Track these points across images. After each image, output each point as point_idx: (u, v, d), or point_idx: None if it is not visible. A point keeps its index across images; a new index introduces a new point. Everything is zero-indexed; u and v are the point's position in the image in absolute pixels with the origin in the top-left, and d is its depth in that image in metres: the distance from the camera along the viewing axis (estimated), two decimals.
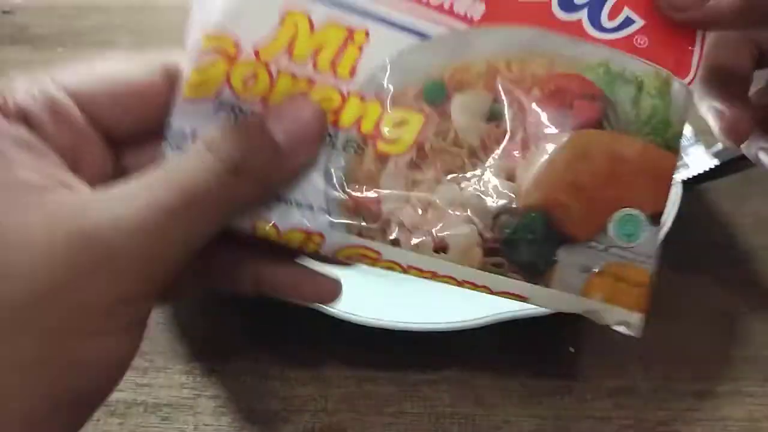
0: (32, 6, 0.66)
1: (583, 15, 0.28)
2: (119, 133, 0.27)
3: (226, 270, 0.29)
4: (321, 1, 0.26)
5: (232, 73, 0.26)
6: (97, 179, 0.25)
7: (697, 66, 0.28)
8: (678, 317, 0.38)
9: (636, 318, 0.28)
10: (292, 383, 0.36)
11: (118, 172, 0.27)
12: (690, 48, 0.29)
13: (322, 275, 0.29)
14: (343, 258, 0.28)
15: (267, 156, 0.25)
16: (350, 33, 0.27)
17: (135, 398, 0.37)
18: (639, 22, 0.28)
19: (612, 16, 0.28)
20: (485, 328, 0.35)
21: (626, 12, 0.28)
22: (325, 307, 0.33)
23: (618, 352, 0.37)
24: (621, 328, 0.28)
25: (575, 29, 0.28)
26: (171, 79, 0.26)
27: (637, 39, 0.28)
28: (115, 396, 0.29)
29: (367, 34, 0.27)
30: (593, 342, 0.37)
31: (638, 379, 0.36)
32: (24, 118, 0.24)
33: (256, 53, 0.26)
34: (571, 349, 0.37)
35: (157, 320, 0.40)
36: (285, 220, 0.27)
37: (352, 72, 0.27)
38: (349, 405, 0.35)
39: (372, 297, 0.37)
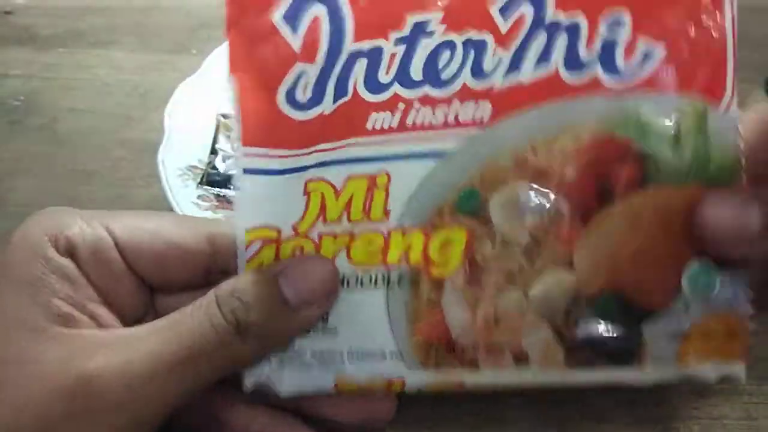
0: (33, 6, 0.66)
1: (596, 69, 0.26)
2: (156, 283, 0.29)
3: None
4: (336, 165, 0.27)
5: (281, 250, 0.27)
6: (130, 314, 0.28)
7: (733, 83, 0.26)
8: None
9: (737, 368, 0.27)
10: None
11: (153, 311, 0.29)
12: (722, 65, 0.26)
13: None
14: (431, 392, 0.27)
15: (275, 315, 0.26)
16: (372, 180, 0.27)
17: None
18: (660, 51, 0.26)
19: (628, 54, 0.26)
20: None
21: (642, 43, 0.26)
22: None
23: None
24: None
25: (592, 88, 0.26)
26: (214, 245, 0.28)
27: (661, 72, 0.26)
28: None
29: (387, 175, 0.27)
30: None
31: None
32: (71, 252, 0.26)
33: (295, 229, 0.27)
34: None
35: None
36: (361, 373, 0.27)
37: (386, 212, 0.27)
38: None
39: None
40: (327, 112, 0.26)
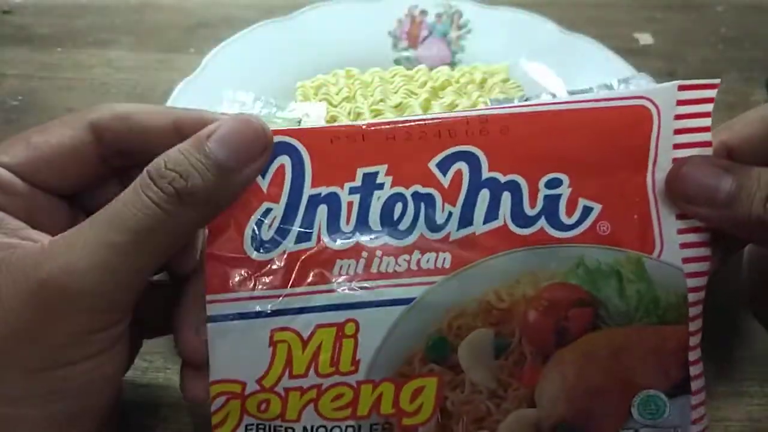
0: (31, 6, 0.66)
1: (542, 223, 0.28)
2: (66, 189, 0.30)
3: None
4: (303, 313, 0.28)
5: (247, 405, 0.28)
6: (60, 229, 0.28)
7: (661, 238, 0.29)
8: None
9: None
10: None
11: (82, 217, 0.30)
12: (649, 223, 0.29)
13: None
14: None
15: (213, 180, 0.26)
16: (339, 328, 0.28)
17: (134, 399, 0.37)
18: (597, 208, 0.29)
19: (569, 211, 0.29)
20: None
21: (582, 202, 0.28)
22: None
23: None
24: None
25: (540, 238, 0.28)
26: (97, 131, 0.29)
27: (599, 226, 0.28)
28: None
29: (355, 322, 0.28)
30: None
31: None
32: None
33: (260, 384, 0.28)
34: None
35: None
36: None
37: (354, 362, 0.28)
38: None
39: None
40: (290, 251, 0.28)
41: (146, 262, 0.26)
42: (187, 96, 0.49)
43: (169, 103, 0.49)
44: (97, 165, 0.30)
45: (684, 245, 0.29)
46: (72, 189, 0.30)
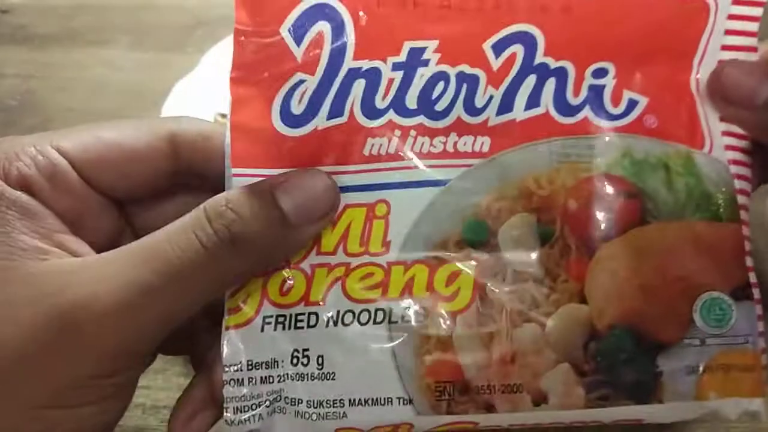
0: (30, 5, 0.66)
1: (586, 112, 0.27)
2: (121, 195, 0.27)
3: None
4: None
5: (269, 285, 0.25)
6: (103, 237, 0.26)
7: (710, 135, 0.27)
8: None
9: (757, 404, 0.26)
10: None
11: (129, 230, 0.28)
12: (696, 119, 0.27)
13: None
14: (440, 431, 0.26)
15: (273, 231, 0.24)
16: (370, 209, 0.26)
17: (133, 400, 0.37)
18: (643, 101, 0.27)
19: (615, 101, 0.27)
20: None
21: (627, 94, 0.27)
22: None
23: None
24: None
25: (584, 128, 0.27)
26: (176, 143, 0.27)
27: (646, 119, 0.27)
28: None
29: (386, 203, 0.26)
30: None
31: None
32: (25, 184, 0.25)
33: (286, 260, 0.26)
34: None
35: None
36: (366, 421, 0.25)
37: (385, 244, 0.26)
38: None
39: None
40: (320, 128, 0.26)
41: (176, 312, 0.24)
42: (185, 96, 0.49)
43: (168, 102, 0.49)
44: (164, 178, 0.27)
45: (728, 147, 0.28)
46: (129, 197, 0.28)
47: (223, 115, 0.48)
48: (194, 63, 0.52)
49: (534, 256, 0.26)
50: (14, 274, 0.23)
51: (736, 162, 0.28)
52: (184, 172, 0.27)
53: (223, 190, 0.25)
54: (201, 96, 0.49)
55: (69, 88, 0.57)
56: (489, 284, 0.26)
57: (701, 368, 0.26)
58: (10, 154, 0.25)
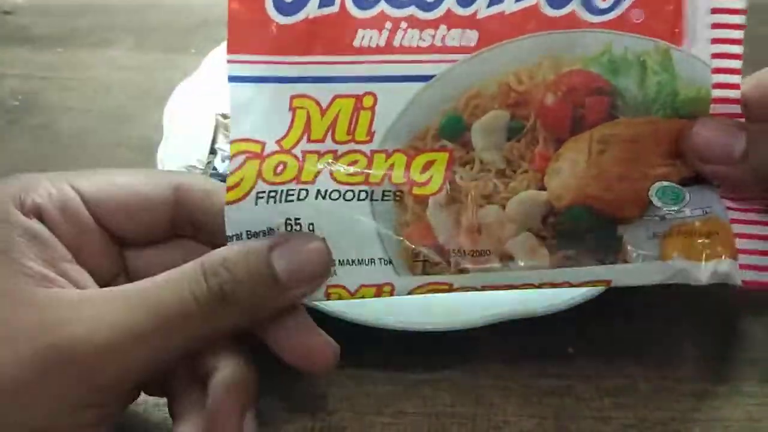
0: (32, 6, 0.66)
1: (574, 5, 0.28)
2: (125, 235, 0.30)
3: None
4: (322, 82, 0.27)
5: (263, 167, 0.27)
6: (102, 268, 0.28)
7: (693, 31, 0.29)
8: (678, 317, 0.38)
9: (726, 264, 0.28)
10: (292, 382, 0.36)
11: (123, 266, 0.30)
12: (680, 14, 0.29)
13: (318, 337, 0.29)
14: (419, 294, 0.28)
15: (264, 292, 0.26)
16: (358, 100, 0.28)
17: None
18: None
19: None
20: (485, 328, 0.35)
21: None
22: (323, 306, 0.33)
23: (618, 352, 0.37)
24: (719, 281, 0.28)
25: (571, 22, 0.28)
26: (180, 194, 0.29)
27: (633, 13, 0.28)
28: None
29: (373, 95, 0.28)
30: (593, 342, 0.37)
31: (638, 379, 0.36)
32: (37, 212, 0.27)
33: (279, 145, 0.27)
34: (570, 350, 0.37)
35: None
36: (352, 280, 0.28)
37: (370, 133, 0.28)
38: (348, 405, 0.35)
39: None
40: (311, 16, 0.27)
41: (162, 357, 0.26)
42: (188, 96, 0.49)
43: (169, 103, 0.49)
44: (164, 225, 0.30)
45: (715, 41, 0.29)
46: (131, 238, 0.30)
47: (225, 116, 0.49)
48: (197, 64, 0.52)
49: (499, 149, 0.29)
50: (18, 298, 0.25)
51: (722, 55, 0.29)
52: (182, 223, 0.30)
53: (217, 244, 0.27)
54: (204, 97, 0.49)
55: (71, 88, 0.58)
56: (458, 172, 0.29)
57: (664, 233, 0.28)
58: (27, 186, 0.27)
